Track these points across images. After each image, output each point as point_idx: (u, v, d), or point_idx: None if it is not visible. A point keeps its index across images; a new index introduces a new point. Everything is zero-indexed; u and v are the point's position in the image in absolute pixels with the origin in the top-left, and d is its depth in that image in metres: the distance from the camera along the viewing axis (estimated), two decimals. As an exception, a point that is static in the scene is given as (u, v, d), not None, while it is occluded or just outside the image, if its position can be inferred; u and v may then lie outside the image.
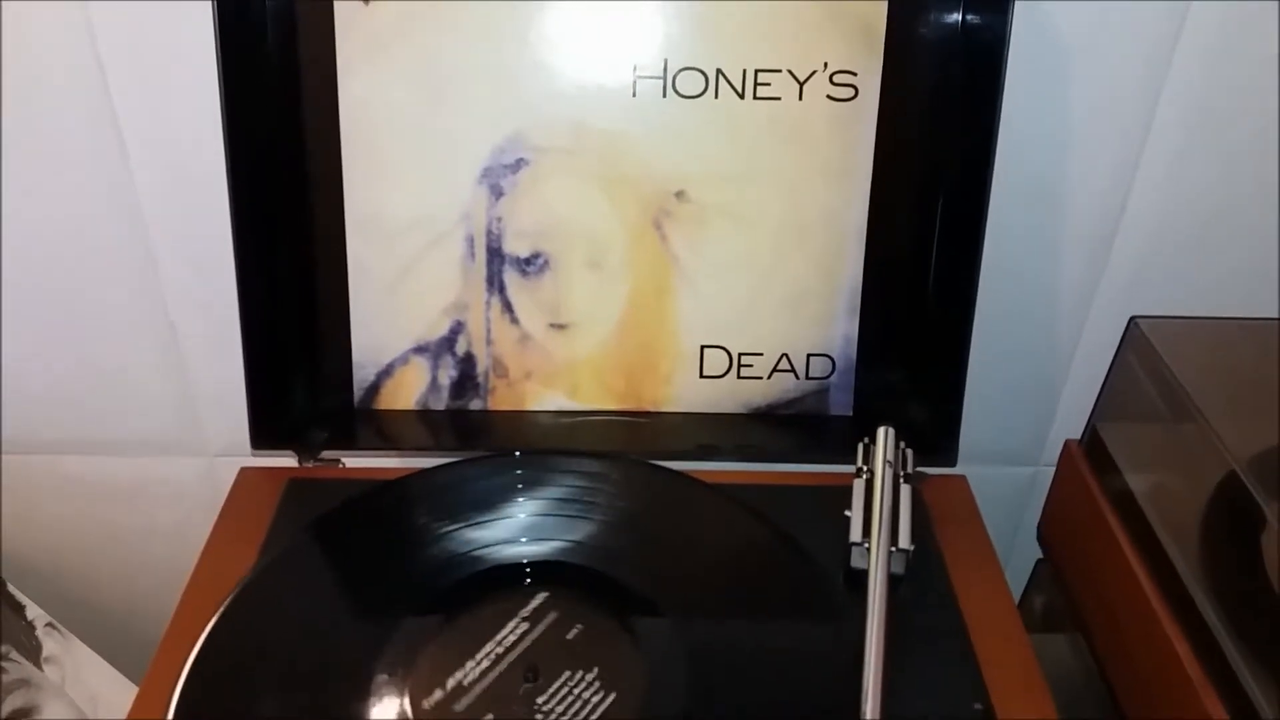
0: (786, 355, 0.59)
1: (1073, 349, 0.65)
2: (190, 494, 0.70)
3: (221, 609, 0.46)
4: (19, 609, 0.69)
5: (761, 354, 0.59)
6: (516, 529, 0.50)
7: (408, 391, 0.59)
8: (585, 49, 0.53)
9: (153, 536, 0.72)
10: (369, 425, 0.58)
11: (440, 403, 0.59)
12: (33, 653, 0.68)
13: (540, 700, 0.42)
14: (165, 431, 0.68)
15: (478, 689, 0.43)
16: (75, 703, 0.68)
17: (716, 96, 0.54)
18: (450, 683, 0.43)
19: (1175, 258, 0.61)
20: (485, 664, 0.44)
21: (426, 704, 0.42)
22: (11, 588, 0.69)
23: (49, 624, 0.70)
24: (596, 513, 0.52)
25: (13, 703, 0.65)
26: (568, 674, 0.43)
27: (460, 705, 0.42)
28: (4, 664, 0.66)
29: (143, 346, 0.65)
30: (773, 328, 0.58)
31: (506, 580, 0.48)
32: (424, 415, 0.59)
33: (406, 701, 0.42)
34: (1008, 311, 0.62)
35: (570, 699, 0.42)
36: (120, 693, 0.69)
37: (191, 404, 0.67)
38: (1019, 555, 0.66)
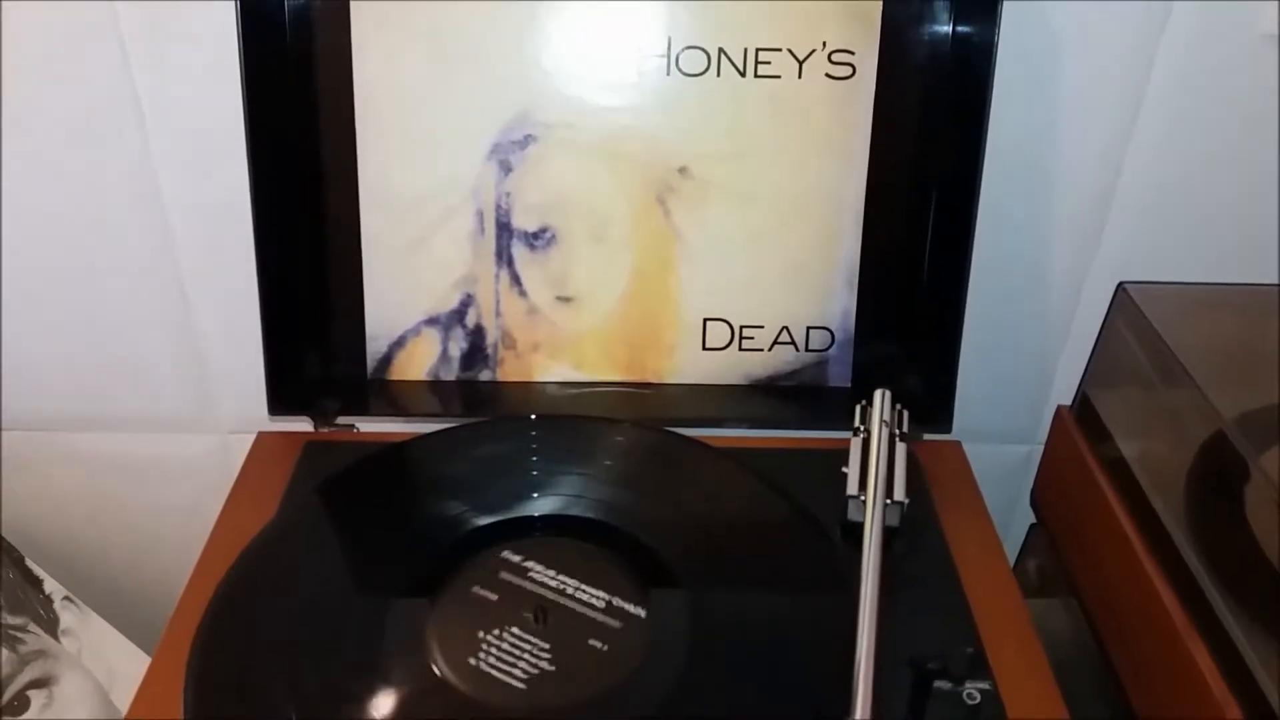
0: (787, 328, 0.61)
1: (1067, 327, 0.66)
2: (204, 470, 0.72)
3: (238, 563, 0.47)
4: (37, 583, 0.71)
5: (762, 327, 0.61)
6: (528, 486, 0.52)
7: (419, 362, 0.61)
8: (591, 29, 0.55)
9: (167, 512, 0.74)
10: (381, 395, 0.60)
11: (450, 373, 0.61)
12: (50, 625, 0.70)
13: (548, 637, 0.44)
14: (179, 409, 0.70)
15: (488, 625, 0.44)
16: (92, 674, 0.69)
17: (718, 75, 0.56)
18: (463, 619, 0.45)
19: (1166, 235, 0.63)
20: (497, 604, 0.45)
21: (440, 635, 0.44)
22: (29, 562, 0.71)
23: (66, 597, 0.71)
24: (605, 473, 0.53)
25: (31, 673, 0.67)
26: (575, 615, 0.45)
27: (472, 638, 0.44)
28: (23, 635, 0.68)
29: (157, 324, 0.66)
30: (773, 301, 0.60)
31: (517, 533, 0.49)
32: (435, 385, 0.61)
33: (421, 634, 0.44)
34: (1003, 289, 0.64)
35: (576, 639, 0.44)
36: (136, 664, 0.70)
37: (205, 381, 0.69)
38: (1016, 532, 0.67)
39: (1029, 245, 0.63)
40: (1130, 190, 0.61)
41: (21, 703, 0.66)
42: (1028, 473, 0.70)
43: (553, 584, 0.47)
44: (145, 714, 0.44)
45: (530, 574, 0.47)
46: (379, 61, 0.55)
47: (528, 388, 0.61)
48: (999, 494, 0.62)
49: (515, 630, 0.44)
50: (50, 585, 0.71)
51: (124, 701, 0.68)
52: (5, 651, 0.66)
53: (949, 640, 0.45)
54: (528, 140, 0.57)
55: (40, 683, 0.67)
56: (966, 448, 0.61)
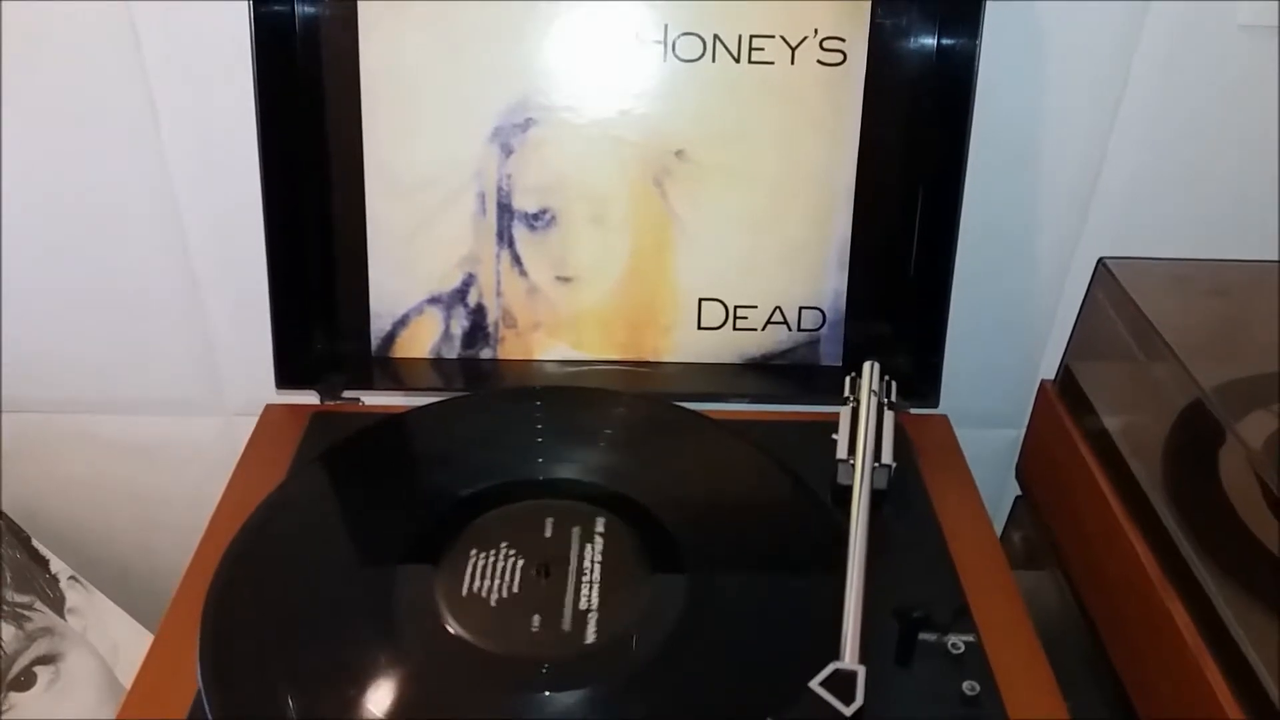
0: (780, 308, 0.62)
1: (1053, 310, 0.68)
2: (210, 452, 0.73)
3: (249, 523, 0.49)
4: (43, 562, 0.72)
5: (756, 306, 0.62)
6: (533, 453, 0.54)
7: (422, 341, 0.62)
8: (590, 14, 0.57)
9: (172, 493, 0.75)
10: (385, 372, 0.62)
11: (453, 351, 0.62)
12: (56, 604, 0.71)
13: (551, 592, 0.45)
14: (186, 391, 0.71)
15: (494, 579, 0.46)
16: (97, 650, 0.70)
17: (714, 60, 0.58)
18: (469, 573, 0.46)
19: (1150, 219, 0.64)
20: (502, 560, 0.47)
21: (447, 588, 0.45)
22: (36, 542, 0.72)
23: (72, 577, 0.72)
24: (605, 440, 0.55)
25: (37, 649, 0.68)
26: (577, 573, 0.46)
27: (477, 590, 0.45)
28: (29, 613, 0.69)
29: (165, 306, 0.68)
30: (767, 282, 0.62)
31: (524, 494, 0.51)
32: (437, 363, 0.62)
33: (428, 586, 0.45)
34: (990, 272, 0.66)
35: (578, 594, 0.45)
36: (140, 642, 0.71)
37: (212, 364, 0.70)
38: (1004, 513, 0.69)
39: (1015, 228, 0.65)
40: (1114, 174, 0.63)
41: (28, 678, 0.67)
42: (1015, 455, 0.72)
43: (557, 539, 0.48)
44: (150, 682, 0.45)
45: (533, 535, 0.49)
46: (384, 48, 0.57)
47: (528, 366, 0.63)
48: (988, 476, 0.63)
49: (520, 586, 0.46)
50: (56, 565, 0.72)
51: (128, 678, 0.69)
52: (12, 629, 0.67)
53: (935, 595, 0.47)
54: (528, 123, 0.58)
55: (46, 659, 0.68)
56: (957, 432, 0.62)
